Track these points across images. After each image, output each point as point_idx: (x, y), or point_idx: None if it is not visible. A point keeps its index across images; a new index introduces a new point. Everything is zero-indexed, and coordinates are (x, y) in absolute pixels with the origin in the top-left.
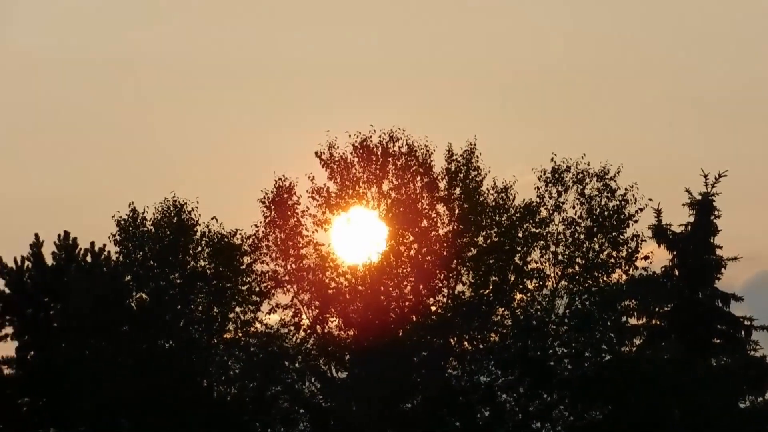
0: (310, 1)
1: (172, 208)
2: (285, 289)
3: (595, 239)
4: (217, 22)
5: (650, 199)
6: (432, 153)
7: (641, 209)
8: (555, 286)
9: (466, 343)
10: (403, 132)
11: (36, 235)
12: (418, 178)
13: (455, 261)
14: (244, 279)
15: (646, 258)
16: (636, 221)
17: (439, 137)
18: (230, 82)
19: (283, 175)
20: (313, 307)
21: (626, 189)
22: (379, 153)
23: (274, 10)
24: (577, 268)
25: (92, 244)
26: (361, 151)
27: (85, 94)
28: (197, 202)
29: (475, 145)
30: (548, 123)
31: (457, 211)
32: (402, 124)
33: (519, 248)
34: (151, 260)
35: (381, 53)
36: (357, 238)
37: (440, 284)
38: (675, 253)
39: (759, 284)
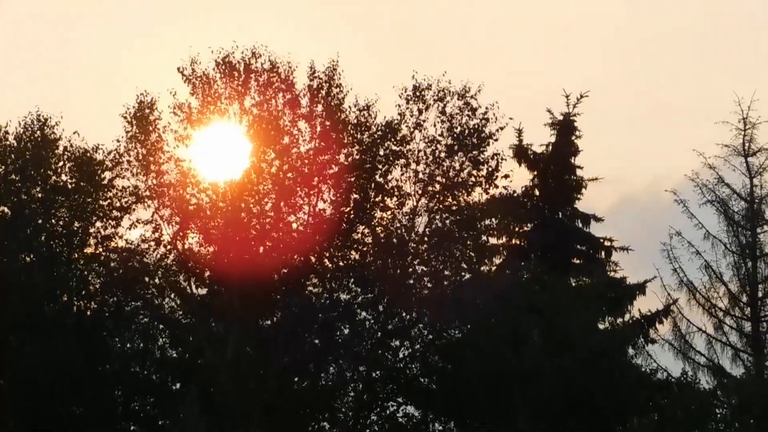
0: None
1: (35, 123)
2: (146, 204)
3: (456, 157)
4: None
5: (510, 118)
6: (294, 70)
7: (502, 128)
8: (415, 204)
9: (326, 260)
10: (265, 48)
11: None
12: (281, 94)
13: (316, 178)
14: (105, 194)
15: (506, 177)
16: (496, 140)
17: (301, 54)
18: None
19: (145, 91)
20: (173, 223)
21: (487, 108)
22: (241, 69)
23: None
24: (437, 186)
25: None
26: (223, 67)
27: None
28: (61, 117)
29: (337, 62)
30: (410, 41)
31: (318, 129)
32: (265, 40)
33: (380, 166)
34: (13, 174)
35: None
36: (218, 154)
37: (301, 201)
38: (536, 173)
39: (620, 206)
